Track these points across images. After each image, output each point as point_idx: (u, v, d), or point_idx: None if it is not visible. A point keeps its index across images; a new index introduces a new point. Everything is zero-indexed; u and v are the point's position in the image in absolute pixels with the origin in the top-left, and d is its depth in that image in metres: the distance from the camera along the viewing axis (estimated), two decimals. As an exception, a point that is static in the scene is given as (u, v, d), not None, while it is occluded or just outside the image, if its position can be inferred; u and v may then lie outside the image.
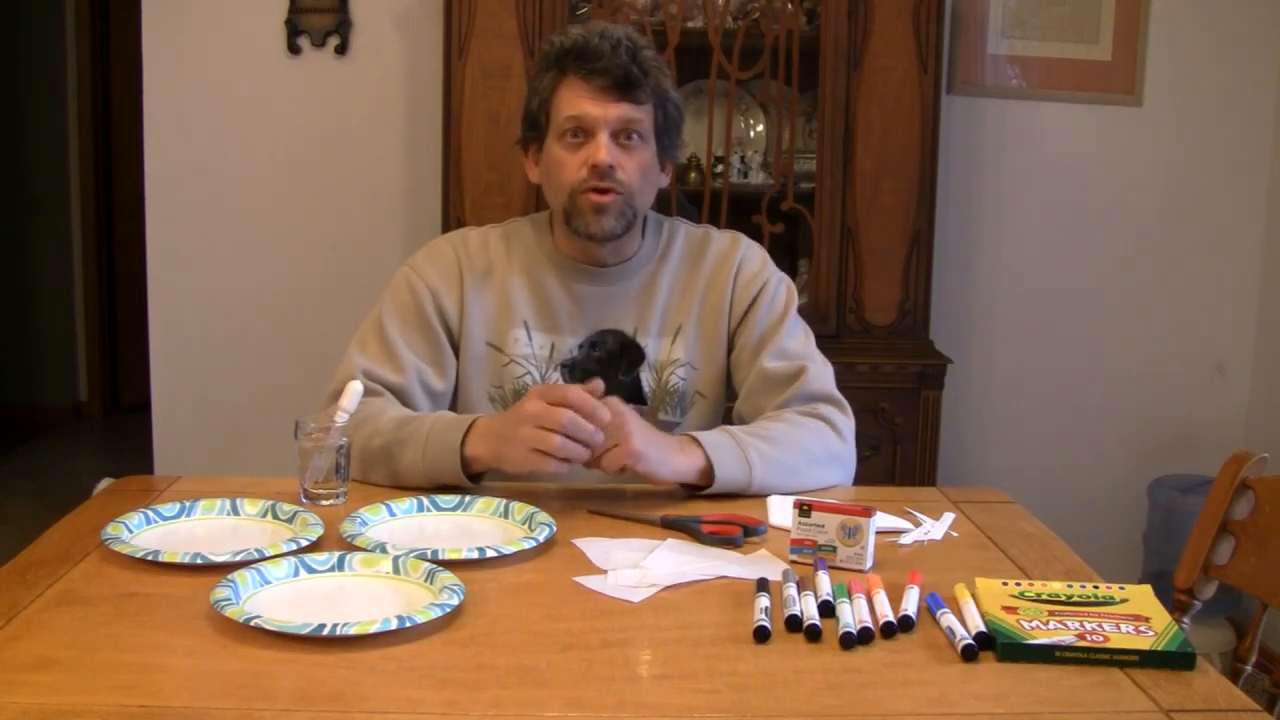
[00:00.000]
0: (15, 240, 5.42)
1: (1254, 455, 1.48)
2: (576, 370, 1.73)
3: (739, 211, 2.81)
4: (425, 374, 1.71)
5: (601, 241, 1.70)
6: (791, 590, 1.21)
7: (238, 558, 1.26)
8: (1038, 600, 1.19)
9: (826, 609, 1.17)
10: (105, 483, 1.76)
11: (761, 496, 1.56)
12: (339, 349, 1.75)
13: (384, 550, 1.28)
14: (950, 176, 3.07)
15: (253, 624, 1.08)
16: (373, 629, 1.08)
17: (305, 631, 1.07)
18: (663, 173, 1.76)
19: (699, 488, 1.56)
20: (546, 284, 1.75)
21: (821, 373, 1.73)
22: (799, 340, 1.76)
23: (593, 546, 1.37)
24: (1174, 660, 1.08)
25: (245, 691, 1.00)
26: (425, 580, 1.21)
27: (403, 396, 1.69)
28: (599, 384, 1.52)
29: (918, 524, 1.49)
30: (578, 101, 1.66)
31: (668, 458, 1.53)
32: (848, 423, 1.71)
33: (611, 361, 1.74)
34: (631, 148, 1.68)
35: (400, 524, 1.44)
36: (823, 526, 1.33)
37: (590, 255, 1.74)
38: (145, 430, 3.22)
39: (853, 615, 1.16)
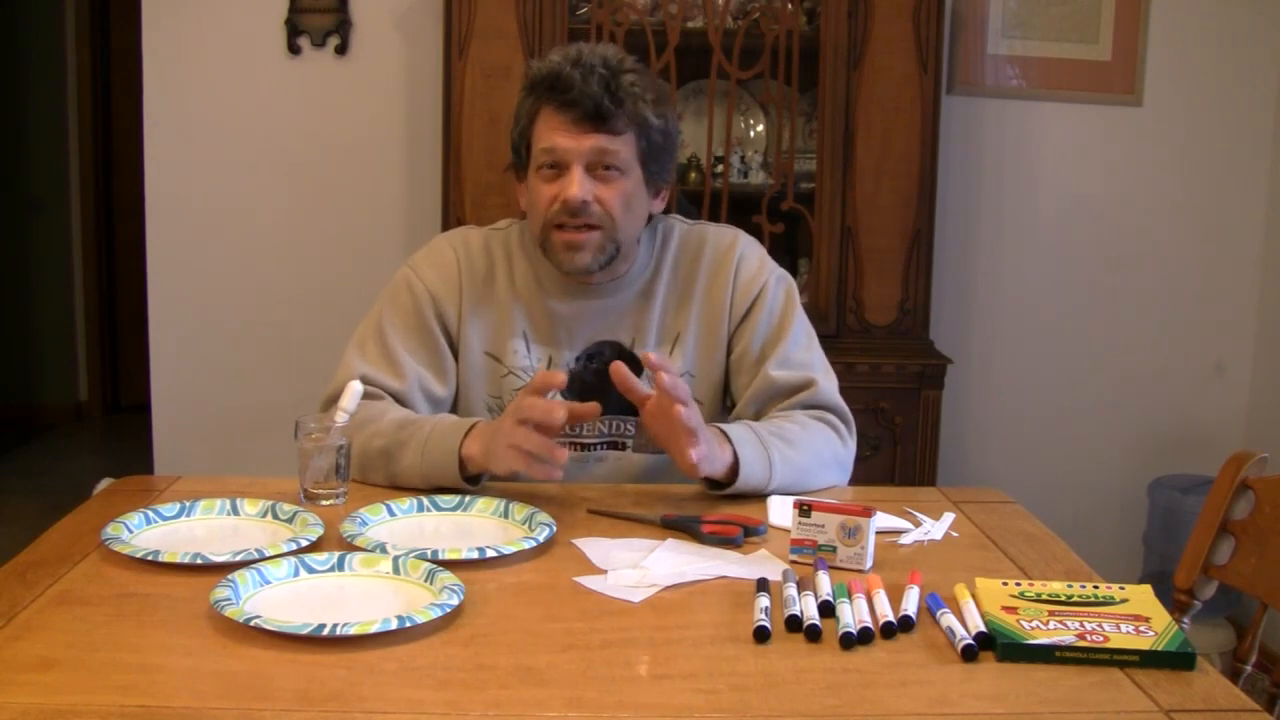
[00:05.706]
0: (15, 240, 5.42)
1: (1254, 455, 1.48)
2: (574, 383, 1.71)
3: (739, 211, 2.81)
4: (426, 380, 1.70)
5: (577, 276, 1.68)
6: (791, 590, 1.21)
7: (238, 558, 1.26)
8: (1038, 600, 1.19)
9: (826, 609, 1.17)
10: (105, 483, 1.76)
11: (771, 495, 1.56)
12: (339, 348, 1.74)
13: (384, 550, 1.28)
14: (950, 176, 3.07)
15: (253, 624, 1.08)
16: (373, 629, 1.08)
17: (305, 631, 1.07)
18: (655, 199, 1.72)
19: (717, 483, 1.56)
20: (544, 296, 1.73)
21: (829, 385, 1.72)
22: (803, 347, 1.74)
23: (593, 546, 1.37)
24: (1174, 660, 1.09)
25: (245, 691, 1.00)
26: (425, 580, 1.22)
27: (403, 402, 1.68)
28: (596, 407, 1.53)
29: (918, 524, 1.49)
30: (551, 134, 1.62)
31: (714, 451, 1.52)
32: (851, 434, 1.72)
33: (609, 373, 1.73)
34: (609, 178, 1.63)
35: (400, 524, 1.44)
36: (823, 526, 1.33)
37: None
38: (145, 430, 3.22)
39: (853, 615, 1.16)
